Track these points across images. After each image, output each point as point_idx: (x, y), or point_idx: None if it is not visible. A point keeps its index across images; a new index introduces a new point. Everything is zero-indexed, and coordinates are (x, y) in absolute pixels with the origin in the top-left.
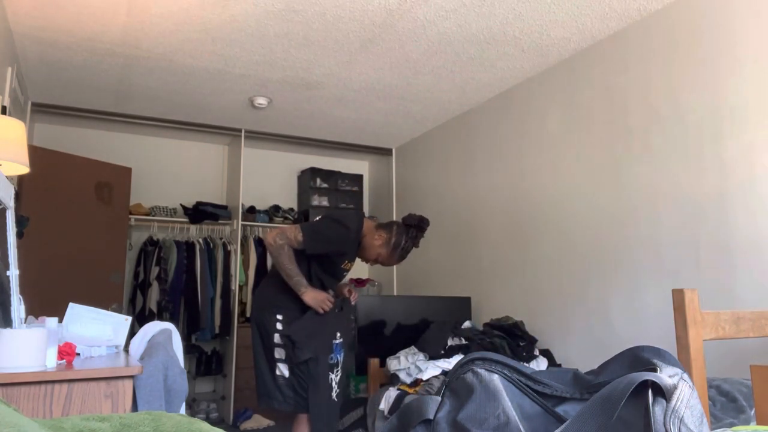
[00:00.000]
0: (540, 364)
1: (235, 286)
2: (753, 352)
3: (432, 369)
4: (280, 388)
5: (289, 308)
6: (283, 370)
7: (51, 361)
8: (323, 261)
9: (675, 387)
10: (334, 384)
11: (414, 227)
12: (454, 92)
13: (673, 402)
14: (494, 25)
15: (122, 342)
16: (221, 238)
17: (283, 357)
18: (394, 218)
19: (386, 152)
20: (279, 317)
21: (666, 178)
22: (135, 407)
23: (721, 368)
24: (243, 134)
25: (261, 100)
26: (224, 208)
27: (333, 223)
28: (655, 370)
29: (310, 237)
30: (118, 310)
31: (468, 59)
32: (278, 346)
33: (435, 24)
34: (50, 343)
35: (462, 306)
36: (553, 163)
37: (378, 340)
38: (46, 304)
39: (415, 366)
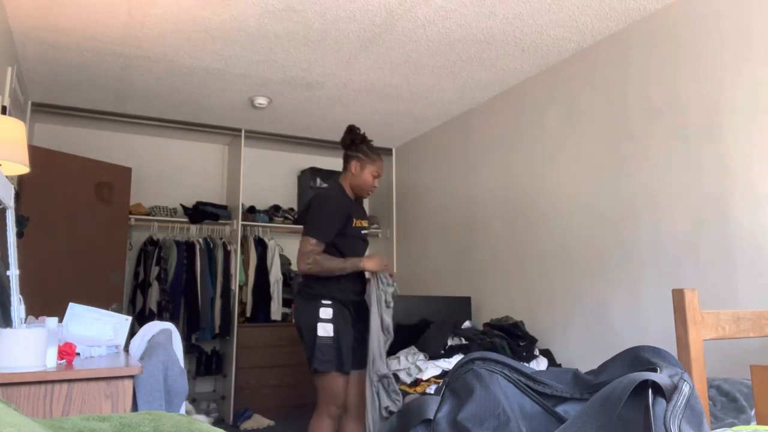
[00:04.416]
0: (540, 364)
1: (235, 286)
2: (753, 352)
3: (432, 369)
4: (321, 349)
5: (339, 299)
6: (329, 329)
7: (51, 361)
8: (342, 236)
9: (675, 387)
10: None
11: (355, 138)
12: (454, 92)
13: (673, 402)
14: (494, 25)
15: (122, 342)
16: (221, 238)
17: (330, 317)
18: (395, 219)
19: (386, 152)
20: (325, 302)
21: (666, 178)
22: (135, 407)
23: (721, 368)
24: (243, 134)
25: (261, 100)
26: (224, 208)
27: (319, 201)
28: (655, 370)
29: (319, 231)
30: (118, 310)
31: (468, 59)
32: (324, 321)
33: (435, 24)
34: (50, 343)
35: (462, 306)
36: (552, 163)
37: None
38: (46, 304)
39: (415, 366)
